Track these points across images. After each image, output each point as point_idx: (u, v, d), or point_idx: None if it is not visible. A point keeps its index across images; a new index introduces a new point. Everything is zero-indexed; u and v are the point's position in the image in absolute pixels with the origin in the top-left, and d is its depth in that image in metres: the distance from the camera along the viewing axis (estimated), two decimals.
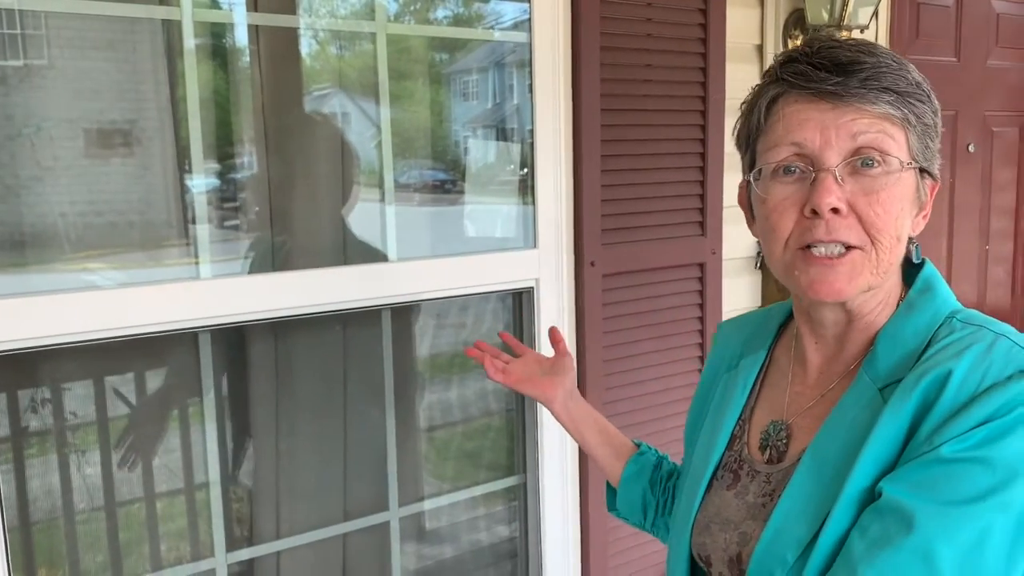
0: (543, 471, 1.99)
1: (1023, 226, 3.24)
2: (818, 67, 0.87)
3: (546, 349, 1.95)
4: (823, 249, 0.87)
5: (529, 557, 2.05)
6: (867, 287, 0.89)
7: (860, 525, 0.82)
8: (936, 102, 0.91)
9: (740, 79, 2.18)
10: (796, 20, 2.30)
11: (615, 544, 2.08)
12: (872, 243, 0.87)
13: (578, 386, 1.99)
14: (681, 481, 1.13)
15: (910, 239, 0.93)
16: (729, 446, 1.04)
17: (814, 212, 0.86)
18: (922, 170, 0.91)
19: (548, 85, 1.90)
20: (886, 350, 0.90)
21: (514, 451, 2.06)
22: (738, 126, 0.98)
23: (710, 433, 1.07)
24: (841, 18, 2.22)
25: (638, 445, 1.32)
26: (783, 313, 1.10)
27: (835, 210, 0.86)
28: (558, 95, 1.91)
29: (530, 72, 1.89)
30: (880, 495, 0.81)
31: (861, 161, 0.86)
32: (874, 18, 2.37)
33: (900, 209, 0.88)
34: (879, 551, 0.78)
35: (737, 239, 2.29)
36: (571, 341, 1.98)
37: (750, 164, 0.96)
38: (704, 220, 2.13)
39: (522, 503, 2.06)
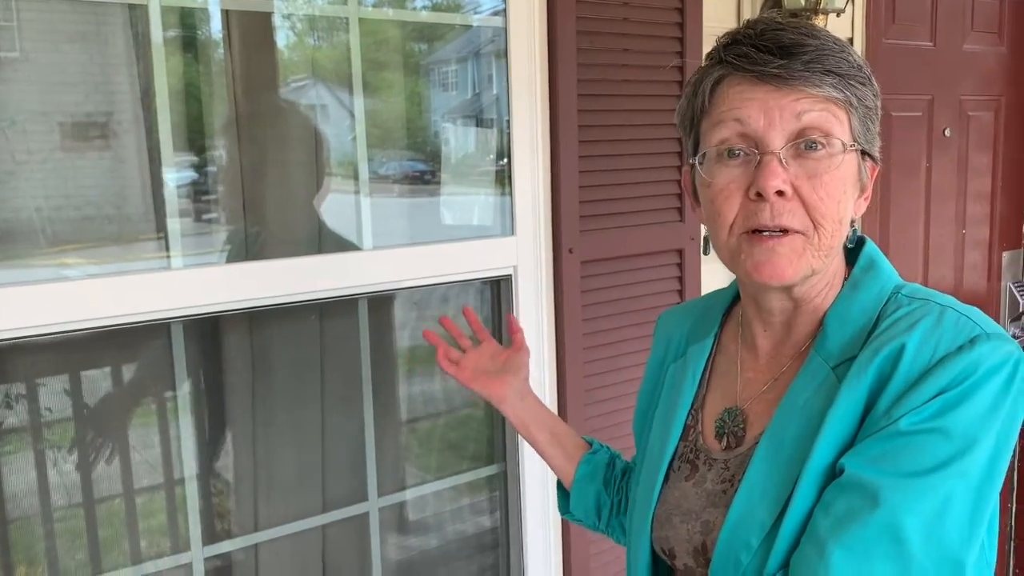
0: (523, 459, 1.98)
1: (999, 210, 3.26)
2: (762, 49, 0.87)
3: (525, 335, 1.94)
4: (767, 233, 0.88)
5: (510, 545, 2.05)
6: (810, 271, 0.89)
7: (824, 502, 0.82)
8: (876, 85, 0.92)
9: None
10: (773, 4, 2.30)
11: None
12: (815, 227, 0.88)
13: (557, 373, 2.00)
14: (635, 476, 1.11)
15: (852, 222, 0.94)
16: (683, 437, 1.03)
17: (759, 195, 0.87)
18: (864, 153, 0.92)
19: (524, 71, 1.88)
20: (835, 329, 0.91)
21: (493, 439, 2.06)
22: (681, 108, 0.98)
23: (663, 425, 1.06)
24: (818, 1, 2.22)
25: (590, 443, 1.29)
26: (726, 299, 1.09)
27: (780, 193, 0.86)
28: (534, 81, 1.89)
29: (506, 58, 1.87)
30: (842, 472, 0.82)
31: (805, 144, 0.87)
32: (850, 2, 2.37)
33: (843, 192, 0.88)
34: (846, 527, 0.79)
35: None
36: (549, 328, 1.98)
37: (694, 147, 0.96)
38: (682, 206, 2.13)
39: (502, 492, 2.05)
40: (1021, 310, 3.29)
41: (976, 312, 0.87)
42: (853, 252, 0.97)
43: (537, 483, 2.01)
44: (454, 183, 1.96)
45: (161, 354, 1.60)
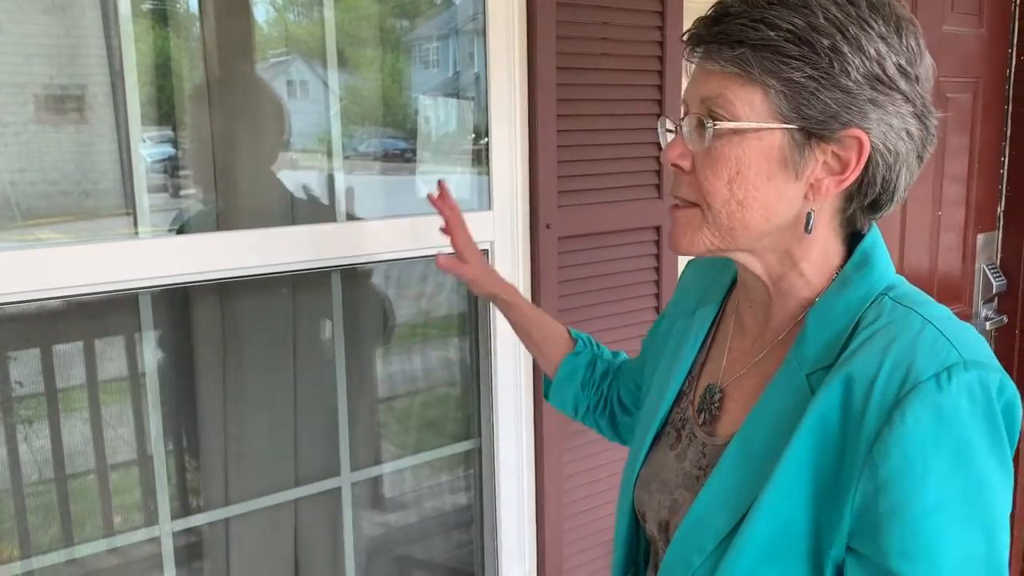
0: (498, 435, 1.98)
1: (975, 193, 3.27)
2: (699, 20, 0.87)
3: (500, 317, 1.92)
4: (676, 202, 0.92)
5: (484, 521, 2.05)
6: (710, 246, 0.89)
7: None
8: (832, 52, 0.79)
9: None
10: None
11: (570, 506, 2.08)
12: (707, 203, 0.87)
13: None
14: (637, 418, 1.13)
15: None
16: (678, 401, 1.03)
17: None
18: (810, 131, 0.82)
19: (503, 45, 1.86)
20: (815, 331, 0.87)
21: (469, 415, 2.05)
22: None
23: (661, 384, 1.06)
24: None
25: (576, 340, 1.38)
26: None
27: (678, 166, 0.89)
28: (513, 55, 1.87)
29: (484, 32, 1.85)
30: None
31: (699, 120, 0.86)
32: None
33: (736, 172, 0.84)
34: None
35: None
36: None
37: None
38: (660, 183, 2.12)
39: (476, 468, 2.05)
40: (994, 292, 3.32)
41: (957, 330, 0.82)
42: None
43: (511, 459, 2.00)
44: (432, 159, 1.94)
45: (129, 325, 1.57)
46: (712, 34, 0.83)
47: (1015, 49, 3.26)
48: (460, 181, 1.95)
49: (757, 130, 0.82)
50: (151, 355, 1.59)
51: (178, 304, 1.63)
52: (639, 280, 2.13)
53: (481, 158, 1.92)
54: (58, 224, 1.48)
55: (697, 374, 1.03)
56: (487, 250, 1.90)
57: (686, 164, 0.88)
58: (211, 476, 1.71)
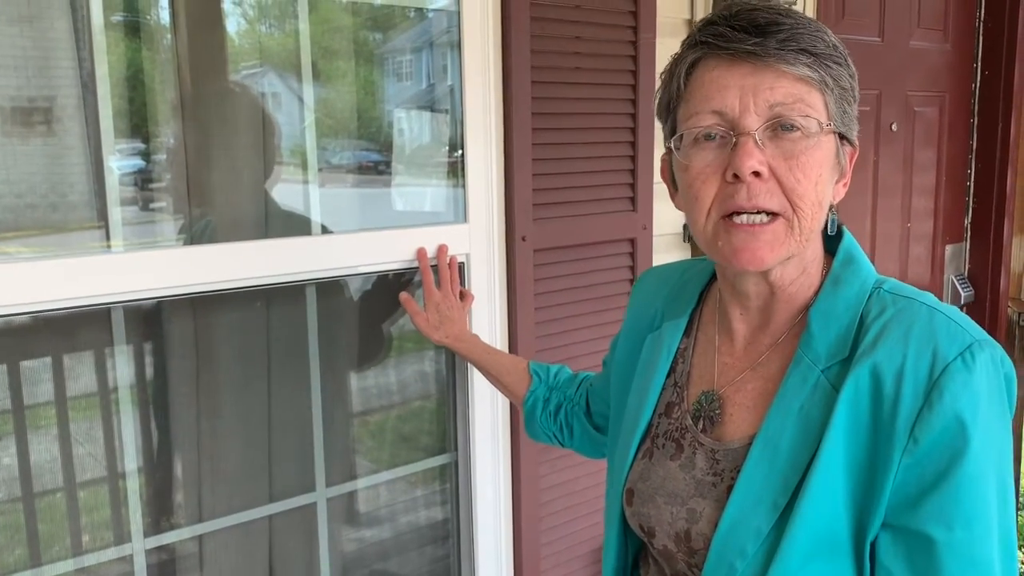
0: (474, 449, 1.97)
1: (942, 205, 3.32)
2: (736, 28, 0.87)
3: (477, 320, 1.92)
4: (745, 217, 0.88)
5: (460, 535, 2.04)
6: (788, 255, 0.90)
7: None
8: (852, 66, 0.92)
9: (671, 54, 2.17)
10: None
11: (548, 519, 2.08)
12: (793, 209, 0.87)
13: None
14: (611, 442, 1.13)
15: (831, 207, 0.94)
16: (667, 414, 1.03)
17: (736, 176, 0.86)
18: (841, 136, 0.91)
19: (478, 58, 1.86)
20: (820, 328, 0.90)
21: (445, 429, 2.04)
22: (658, 95, 0.98)
23: (638, 398, 1.06)
24: None
25: (532, 376, 1.47)
26: (703, 276, 1.09)
27: (756, 174, 0.86)
28: (488, 68, 1.87)
29: (459, 45, 1.85)
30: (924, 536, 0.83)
31: (781, 125, 0.86)
32: None
33: (819, 174, 0.88)
34: None
35: (667, 215, 2.29)
36: (502, 315, 1.96)
37: (671, 132, 0.96)
38: (635, 196, 2.13)
39: (453, 481, 2.04)
40: (963, 302, 3.37)
41: (957, 313, 0.88)
42: (832, 241, 0.97)
43: (488, 473, 2.00)
44: (407, 172, 1.93)
45: (101, 341, 1.54)
46: (779, 41, 0.85)
47: (980, 64, 3.32)
48: (435, 194, 1.95)
49: (830, 132, 0.89)
50: (123, 371, 1.57)
51: (151, 319, 1.61)
52: (614, 292, 2.13)
53: (456, 171, 1.92)
54: (26, 238, 1.46)
55: (684, 384, 1.03)
56: (463, 263, 1.90)
57: (766, 171, 0.86)
58: (185, 493, 1.69)
